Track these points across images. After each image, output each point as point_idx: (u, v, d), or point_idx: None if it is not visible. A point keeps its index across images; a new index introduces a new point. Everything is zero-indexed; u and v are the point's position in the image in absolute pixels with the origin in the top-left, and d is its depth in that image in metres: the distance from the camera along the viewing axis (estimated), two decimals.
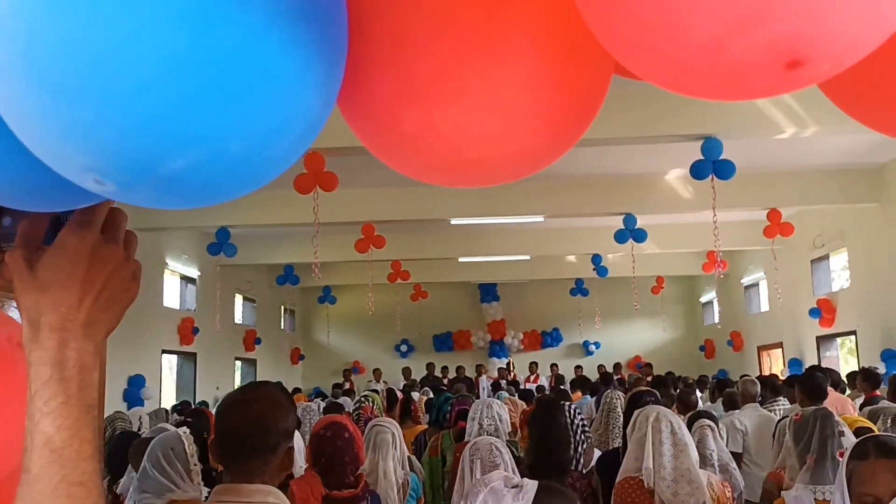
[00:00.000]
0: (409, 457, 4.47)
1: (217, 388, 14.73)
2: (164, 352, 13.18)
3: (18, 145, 0.71)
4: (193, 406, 10.72)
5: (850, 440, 2.66)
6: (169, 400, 13.07)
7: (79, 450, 0.78)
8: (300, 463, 5.38)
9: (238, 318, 16.79)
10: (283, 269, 15.88)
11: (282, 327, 19.65)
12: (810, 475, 2.73)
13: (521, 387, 13.30)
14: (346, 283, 17.65)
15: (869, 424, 3.76)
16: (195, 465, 2.99)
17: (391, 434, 3.95)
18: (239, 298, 16.84)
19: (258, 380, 16.99)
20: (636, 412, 3.30)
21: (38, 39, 0.61)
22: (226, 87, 0.65)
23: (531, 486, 1.49)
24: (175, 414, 10.26)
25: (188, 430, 3.05)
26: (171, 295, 13.70)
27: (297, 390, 13.59)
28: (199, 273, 14.52)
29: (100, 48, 0.61)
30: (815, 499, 2.70)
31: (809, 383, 5.31)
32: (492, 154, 0.85)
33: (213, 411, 8.75)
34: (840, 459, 2.65)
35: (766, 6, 0.62)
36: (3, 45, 0.62)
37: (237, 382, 16.90)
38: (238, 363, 16.75)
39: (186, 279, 14.37)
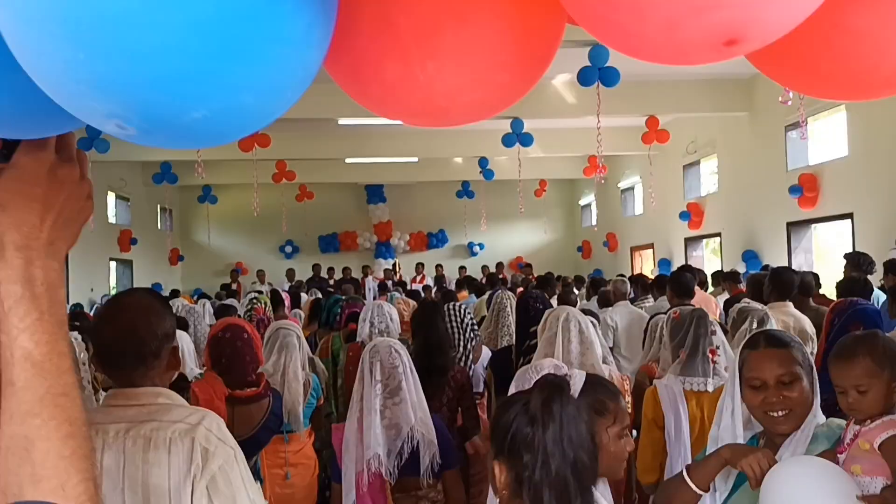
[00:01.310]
0: (311, 357, 4.55)
1: (91, 290, 14.19)
2: None
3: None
4: (68, 309, 10.30)
5: (719, 339, 2.94)
6: None
7: (58, 364, 0.80)
8: (190, 365, 5.36)
9: (111, 218, 16.04)
10: (160, 166, 15.17)
11: (159, 227, 18.94)
12: (681, 368, 3.00)
13: (408, 287, 13.57)
14: (229, 182, 17.12)
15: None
16: (86, 371, 2.93)
17: (296, 336, 4.00)
18: (111, 197, 16.04)
19: (134, 282, 16.54)
20: (547, 312, 3.48)
21: None
22: (244, 47, 0.73)
23: (580, 376, 1.55)
24: None
25: (79, 336, 2.98)
26: None
27: (175, 292, 13.25)
28: None
29: (132, 8, 0.66)
30: (683, 388, 2.99)
31: (679, 282, 5.74)
32: (462, 101, 0.97)
33: (92, 313, 8.45)
34: (710, 356, 2.93)
35: None
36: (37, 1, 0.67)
37: (112, 283, 16.32)
38: (113, 264, 16.12)
39: None
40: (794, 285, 5.33)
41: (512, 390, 1.58)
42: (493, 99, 0.98)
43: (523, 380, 1.62)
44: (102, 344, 1.81)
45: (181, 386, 2.67)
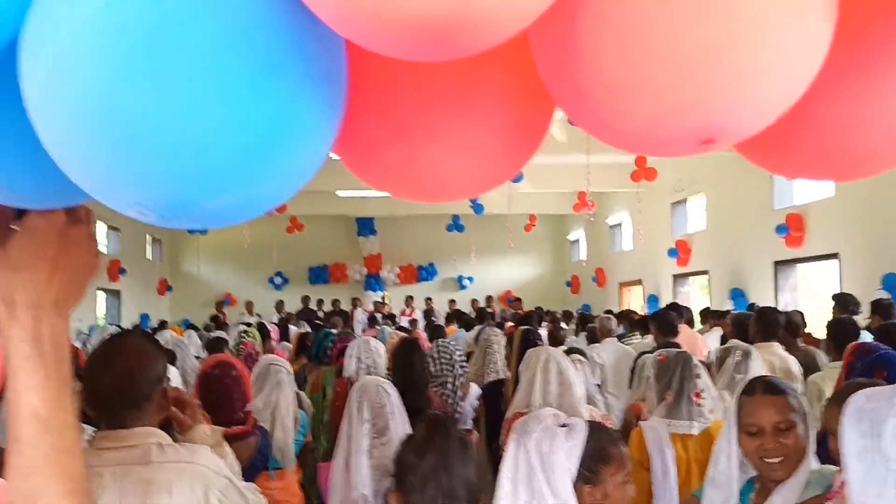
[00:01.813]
0: (297, 392, 4.53)
1: (79, 321, 14.09)
2: None
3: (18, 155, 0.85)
4: None
5: (704, 382, 2.98)
6: None
7: (63, 420, 0.84)
8: None
9: (101, 248, 15.99)
10: None
11: (148, 257, 18.90)
12: (667, 410, 3.02)
13: (397, 319, 13.55)
14: None
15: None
16: None
17: (286, 372, 3.99)
18: (102, 226, 16.01)
19: (122, 312, 16.44)
20: (528, 352, 3.50)
21: (118, 105, 0.72)
22: (265, 145, 0.78)
23: (581, 424, 1.57)
24: None
25: None
26: None
27: (163, 323, 13.19)
28: None
29: (167, 115, 0.72)
30: (670, 433, 3.01)
31: (663, 320, 5.79)
32: (460, 182, 1.05)
33: (77, 345, 8.37)
34: (695, 399, 2.96)
35: (691, 102, 0.83)
36: (83, 107, 0.73)
37: (100, 314, 16.21)
38: (101, 294, 16.03)
39: None
40: (779, 325, 5.37)
41: (511, 440, 1.59)
42: (488, 179, 1.05)
43: (524, 430, 1.63)
44: (97, 389, 1.81)
45: (169, 422, 2.67)
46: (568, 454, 1.54)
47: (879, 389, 1.34)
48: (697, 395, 2.94)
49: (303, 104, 0.79)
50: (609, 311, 9.15)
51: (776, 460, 1.95)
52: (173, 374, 5.43)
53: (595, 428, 1.65)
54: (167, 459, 1.71)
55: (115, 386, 1.78)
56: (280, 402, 3.80)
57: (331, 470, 2.78)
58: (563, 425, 1.57)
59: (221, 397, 3.13)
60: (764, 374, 3.27)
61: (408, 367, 3.95)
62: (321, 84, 0.81)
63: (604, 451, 1.73)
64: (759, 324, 5.36)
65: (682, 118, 0.84)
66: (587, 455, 1.64)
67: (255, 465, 3.17)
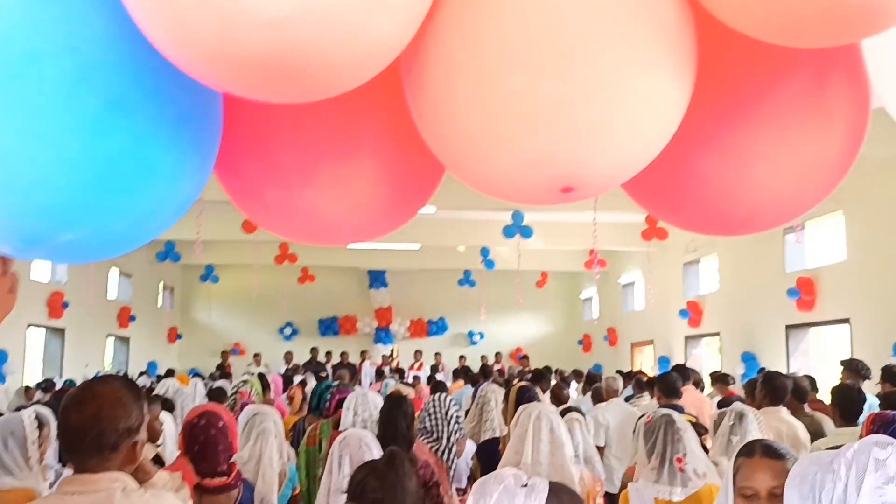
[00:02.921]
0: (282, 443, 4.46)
1: (87, 366, 14.08)
2: (29, 325, 12.47)
3: None
4: (60, 384, 10.21)
5: (686, 446, 2.90)
6: (34, 377, 12.39)
7: None
8: (171, 448, 5.27)
9: (112, 294, 16.09)
10: (164, 244, 15.32)
11: (159, 305, 18.97)
12: (654, 474, 2.94)
13: (406, 374, 13.44)
14: (232, 262, 17.23)
15: (692, 419, 4.23)
16: (35, 451, 2.90)
17: (272, 422, 3.93)
18: (115, 272, 16.13)
19: (130, 359, 16.44)
20: (520, 408, 3.46)
21: None
22: (111, 182, 0.79)
23: (542, 485, 1.53)
24: (40, 391, 9.77)
25: (34, 414, 2.96)
26: (41, 267, 12.97)
27: (171, 371, 13.16)
28: None
29: (15, 149, 0.73)
30: (655, 497, 2.92)
31: (664, 382, 5.73)
32: (340, 225, 1.06)
33: None
34: (677, 464, 2.88)
35: (547, 153, 0.89)
36: None
37: (108, 360, 16.21)
38: (110, 340, 16.06)
39: None
40: (786, 390, 5.25)
41: (470, 501, 1.54)
42: (375, 224, 1.04)
43: (483, 491, 1.58)
44: (65, 426, 1.80)
45: (140, 477, 2.63)
46: None
47: (823, 454, 1.34)
48: (679, 459, 2.87)
49: (153, 143, 0.79)
50: (619, 372, 9.02)
51: None
52: (168, 422, 5.39)
53: (556, 489, 1.59)
54: None
55: (82, 428, 1.76)
56: (263, 453, 3.73)
57: None
58: (524, 485, 1.52)
59: (206, 447, 3.09)
60: (761, 437, 3.19)
61: (389, 422, 3.89)
62: (178, 124, 0.80)
63: None
64: (767, 388, 5.25)
65: (540, 168, 0.89)
66: None
67: None
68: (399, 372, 13.65)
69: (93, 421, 1.75)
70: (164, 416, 5.31)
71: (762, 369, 8.71)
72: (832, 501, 1.32)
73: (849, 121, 1.13)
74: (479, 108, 0.84)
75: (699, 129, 0.92)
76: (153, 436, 4.83)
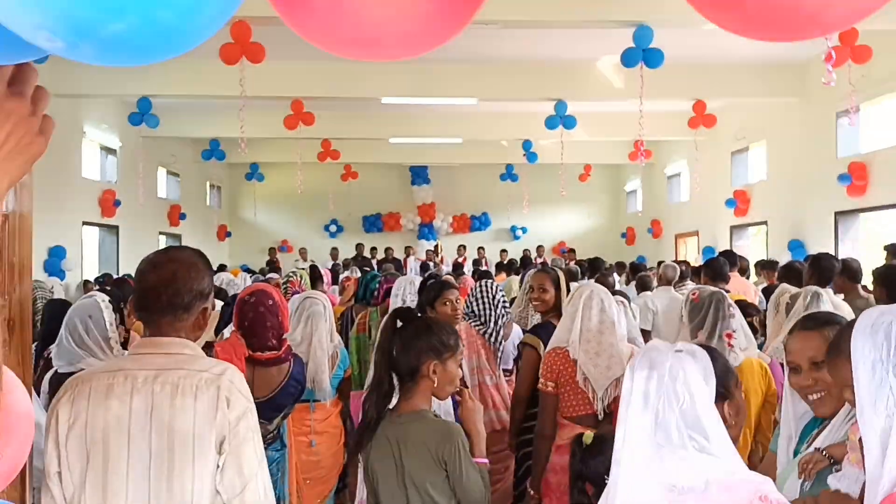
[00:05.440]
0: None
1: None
2: (84, 223, 12.86)
3: None
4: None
5: (738, 322, 2.90)
6: (91, 272, 12.88)
7: None
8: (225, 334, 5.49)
9: (162, 193, 16.41)
10: (209, 143, 15.45)
11: (207, 203, 19.32)
12: None
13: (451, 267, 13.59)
14: (275, 160, 17.36)
15: (741, 297, 4.21)
16: (114, 332, 3.03)
17: (322, 306, 4.05)
18: (162, 172, 16.40)
19: None
20: (574, 286, 3.47)
21: None
22: None
23: (698, 350, 1.55)
24: (97, 286, 10.15)
25: (108, 298, 3.07)
26: (91, 165, 13.23)
27: (222, 266, 13.52)
28: (120, 144, 14.00)
29: None
30: None
31: (711, 267, 5.72)
32: (390, 32, 0.98)
33: None
34: (727, 339, 2.91)
35: None
36: None
37: None
38: (162, 238, 16.52)
39: (107, 150, 13.85)
40: (833, 272, 5.21)
41: (637, 371, 1.51)
42: (422, 31, 1.00)
43: (651, 362, 1.51)
44: (142, 287, 1.89)
45: (205, 346, 2.76)
46: (705, 376, 1.51)
47: (893, 305, 1.31)
48: (729, 335, 2.88)
49: None
50: (674, 261, 9.00)
51: (815, 396, 1.90)
52: (219, 307, 5.60)
53: (711, 352, 1.65)
54: (198, 368, 1.79)
55: (159, 286, 1.85)
56: (314, 334, 3.87)
57: (361, 399, 2.84)
58: (678, 351, 1.53)
59: (255, 324, 3.21)
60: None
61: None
62: None
63: (728, 369, 1.77)
64: (813, 269, 5.22)
65: None
66: (719, 374, 1.62)
67: (289, 391, 3.25)
68: (456, 267, 13.78)
69: (170, 280, 1.86)
70: (217, 304, 5.51)
71: (808, 257, 8.61)
72: None
73: None
74: None
75: None
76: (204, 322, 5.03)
